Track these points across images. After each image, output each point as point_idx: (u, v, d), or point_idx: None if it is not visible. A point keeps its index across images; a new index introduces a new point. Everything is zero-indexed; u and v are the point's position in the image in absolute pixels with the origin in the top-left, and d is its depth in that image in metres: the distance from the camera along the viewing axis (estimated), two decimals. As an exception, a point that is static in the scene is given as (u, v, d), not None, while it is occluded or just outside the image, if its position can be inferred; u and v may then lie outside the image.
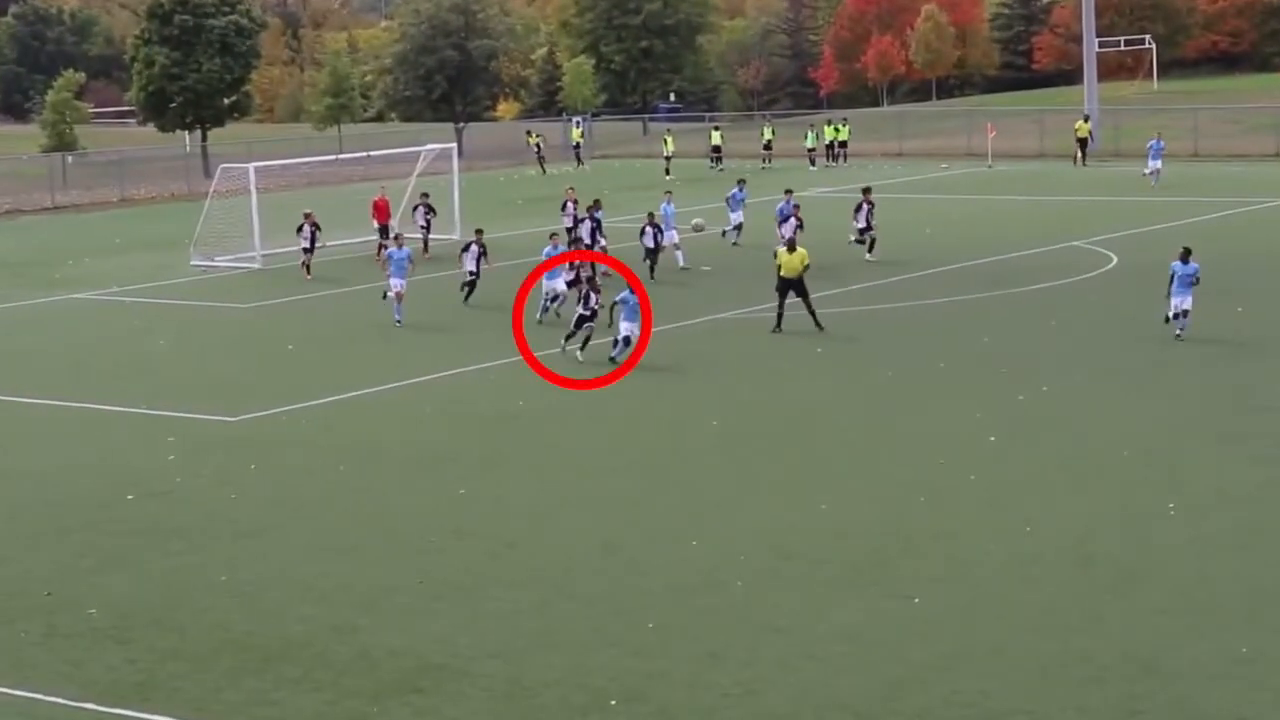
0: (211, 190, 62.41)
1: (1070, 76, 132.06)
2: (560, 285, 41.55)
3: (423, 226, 55.26)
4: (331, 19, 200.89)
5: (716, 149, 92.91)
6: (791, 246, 39.47)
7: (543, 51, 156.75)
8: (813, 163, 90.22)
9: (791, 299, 38.74)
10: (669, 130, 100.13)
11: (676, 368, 36.18)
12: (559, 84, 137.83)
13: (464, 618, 20.93)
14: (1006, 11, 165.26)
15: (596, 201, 50.76)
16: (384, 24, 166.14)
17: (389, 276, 42.40)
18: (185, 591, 22.30)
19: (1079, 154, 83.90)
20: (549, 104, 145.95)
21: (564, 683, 18.69)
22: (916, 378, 34.13)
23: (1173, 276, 35.85)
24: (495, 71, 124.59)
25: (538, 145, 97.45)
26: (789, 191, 50.98)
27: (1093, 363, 34.70)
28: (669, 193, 53.89)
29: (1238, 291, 41.37)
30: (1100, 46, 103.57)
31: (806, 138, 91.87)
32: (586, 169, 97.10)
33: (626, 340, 35.64)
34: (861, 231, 49.97)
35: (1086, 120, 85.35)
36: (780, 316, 38.94)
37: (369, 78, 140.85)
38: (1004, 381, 33.26)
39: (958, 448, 28.22)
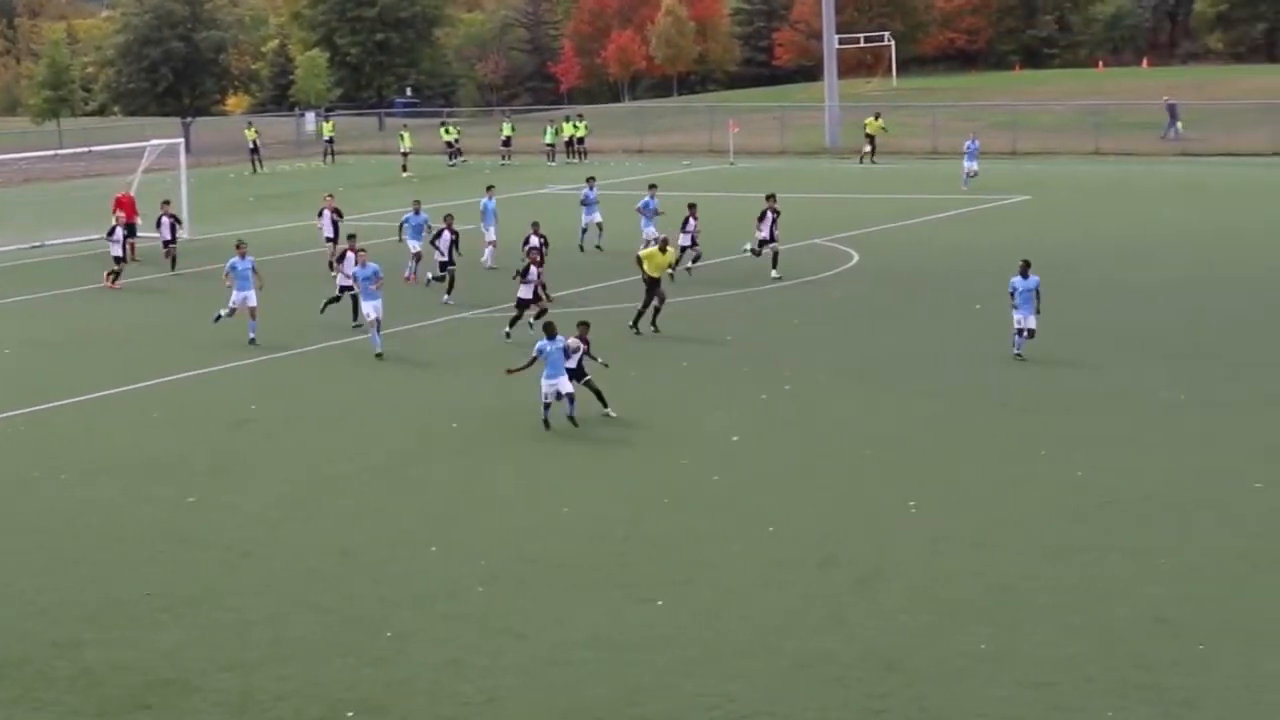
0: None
1: (811, 73, 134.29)
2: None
3: (168, 241, 52.87)
4: (49, 8, 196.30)
5: (450, 144, 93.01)
6: (663, 246, 39.55)
7: (274, 44, 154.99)
8: (551, 159, 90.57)
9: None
10: (405, 126, 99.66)
11: (416, 369, 36.01)
12: (291, 78, 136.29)
13: (194, 630, 20.59)
14: (747, 7, 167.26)
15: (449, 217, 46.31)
16: (105, 14, 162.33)
17: (231, 289, 39.58)
18: (-104, 609, 21.63)
19: (868, 150, 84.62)
20: (281, 98, 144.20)
21: (299, 694, 18.48)
22: (659, 377, 34.38)
23: (1013, 292, 34.19)
24: (224, 64, 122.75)
25: (254, 142, 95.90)
26: (591, 179, 52.93)
27: (835, 361, 35.22)
28: (490, 187, 52.68)
29: (976, 290, 42.37)
30: (840, 43, 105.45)
31: (545, 134, 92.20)
32: (328, 164, 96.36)
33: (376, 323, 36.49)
34: (762, 243, 46.31)
35: (877, 117, 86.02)
36: (639, 314, 39.00)
37: (90, 70, 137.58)
38: (747, 380, 33.65)
39: (701, 448, 28.50)
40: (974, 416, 30.42)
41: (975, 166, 69.84)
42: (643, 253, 39.54)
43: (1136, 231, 54.21)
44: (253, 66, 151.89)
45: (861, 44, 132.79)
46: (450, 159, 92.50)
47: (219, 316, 39.80)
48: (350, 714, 17.99)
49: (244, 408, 32.91)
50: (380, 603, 21.44)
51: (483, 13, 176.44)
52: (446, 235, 44.27)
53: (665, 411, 31.39)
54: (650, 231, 49.18)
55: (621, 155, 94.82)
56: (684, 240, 46.22)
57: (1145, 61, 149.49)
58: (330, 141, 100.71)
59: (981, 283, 42.95)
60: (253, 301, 39.32)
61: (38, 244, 50.67)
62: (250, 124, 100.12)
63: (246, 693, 18.60)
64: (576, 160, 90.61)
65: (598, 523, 24.57)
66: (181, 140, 71.04)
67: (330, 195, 52.74)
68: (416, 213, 48.13)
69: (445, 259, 44.22)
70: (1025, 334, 34.12)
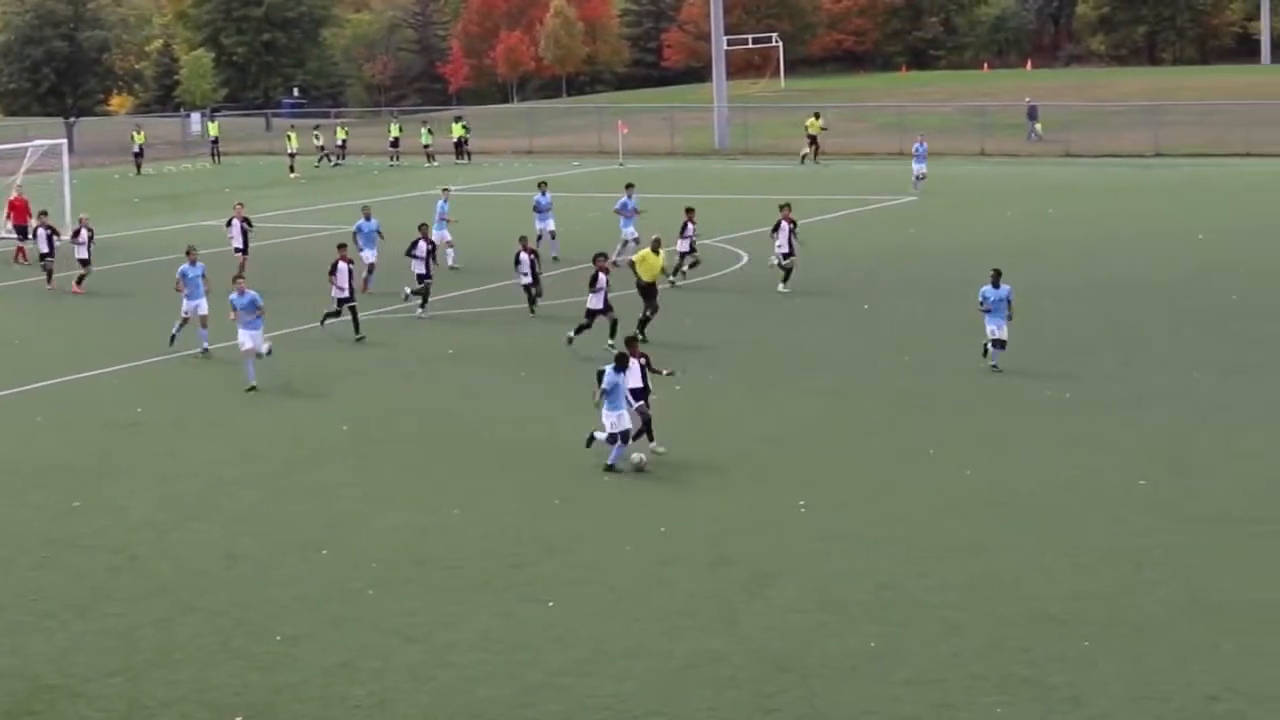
0: None
1: (700, 74, 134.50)
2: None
3: (45, 254, 48.63)
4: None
5: (339, 145, 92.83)
6: (655, 247, 38.23)
7: (158, 43, 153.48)
8: (430, 159, 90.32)
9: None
10: (293, 126, 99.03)
11: (311, 372, 35.78)
12: (176, 78, 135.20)
13: (80, 635, 20.39)
14: (636, 8, 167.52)
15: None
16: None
17: (185, 298, 37.89)
18: None
19: (810, 151, 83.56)
20: (166, 98, 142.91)
21: (187, 700, 18.34)
22: (550, 378, 34.37)
23: (983, 301, 33.16)
24: (107, 64, 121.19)
25: (140, 146, 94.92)
26: (543, 184, 51.23)
27: (725, 361, 35.34)
28: (446, 189, 52.30)
29: (864, 290, 42.67)
30: (728, 44, 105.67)
31: (422, 135, 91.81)
32: (214, 165, 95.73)
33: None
34: (785, 255, 43.86)
35: (817, 117, 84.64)
36: (647, 321, 37.33)
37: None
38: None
39: (591, 449, 28.51)
40: (863, 415, 30.63)
41: (924, 169, 68.80)
42: (635, 257, 38.21)
43: (1023, 231, 54.70)
44: (137, 66, 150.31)
45: (750, 45, 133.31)
46: (328, 160, 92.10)
47: (174, 337, 37.92)
48: (239, 718, 17.89)
49: (130, 411, 32.60)
50: (269, 606, 21.32)
51: (370, 13, 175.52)
52: (423, 245, 41.34)
53: (556, 414, 31.37)
54: (629, 232, 48.27)
55: (511, 156, 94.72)
56: (682, 246, 44.79)
57: (1029, 64, 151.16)
58: (215, 142, 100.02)
59: (869, 283, 43.22)
60: (204, 310, 37.62)
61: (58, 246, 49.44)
62: (139, 127, 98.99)
63: (133, 698, 18.44)
64: (465, 161, 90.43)
65: (489, 524, 24.54)
66: (65, 141, 70.25)
67: (240, 204, 51.04)
68: (368, 219, 45.41)
69: (423, 271, 41.26)
70: (997, 345, 32.97)
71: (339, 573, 22.46)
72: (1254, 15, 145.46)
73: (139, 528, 24.91)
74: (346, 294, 38.31)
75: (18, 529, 24.99)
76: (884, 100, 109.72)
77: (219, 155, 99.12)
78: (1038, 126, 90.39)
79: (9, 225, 54.62)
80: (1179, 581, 21.07)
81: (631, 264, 38.09)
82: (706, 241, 52.96)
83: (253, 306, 34.25)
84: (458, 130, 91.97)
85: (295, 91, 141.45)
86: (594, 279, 35.87)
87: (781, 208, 44.35)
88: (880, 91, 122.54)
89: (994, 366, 33.19)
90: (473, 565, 22.69)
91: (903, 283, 44.81)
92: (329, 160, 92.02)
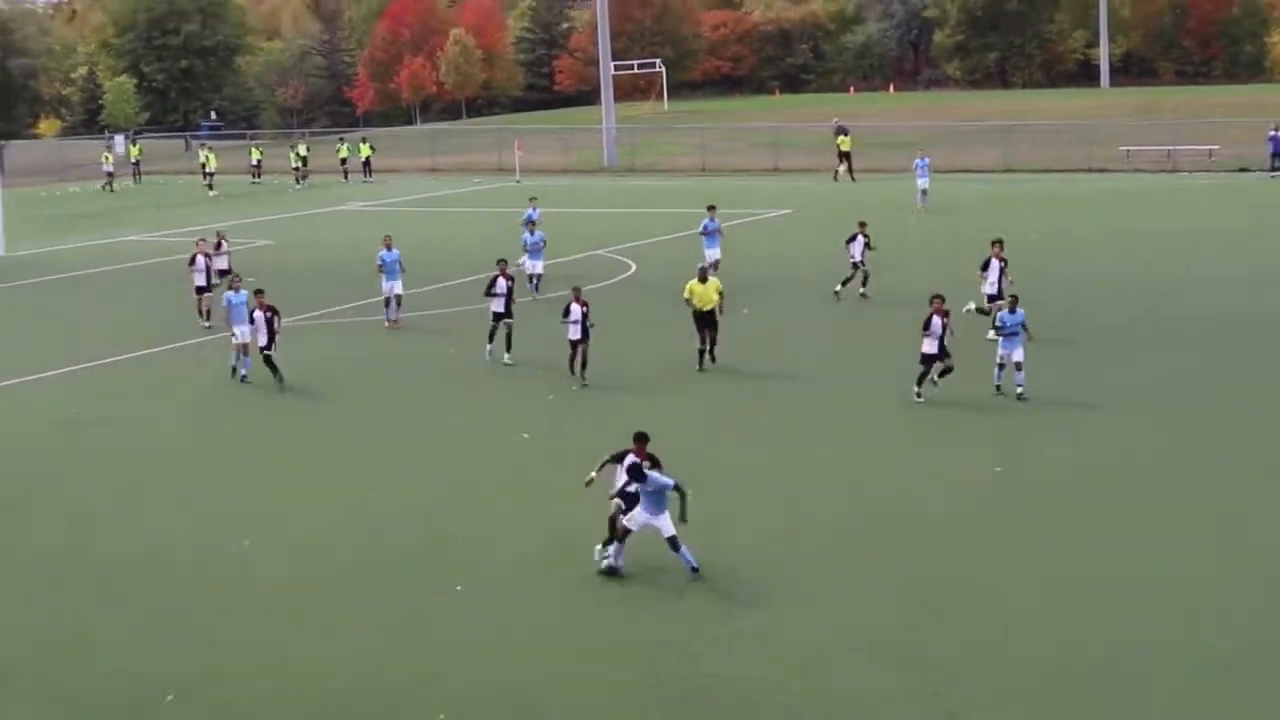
0: None
1: (589, 97, 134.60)
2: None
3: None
4: None
5: (255, 164, 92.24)
6: (703, 277, 34.82)
7: (83, 70, 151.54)
8: (299, 182, 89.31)
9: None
10: (210, 147, 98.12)
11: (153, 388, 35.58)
12: (101, 102, 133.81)
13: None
14: (529, 36, 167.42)
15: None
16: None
17: (234, 324, 34.92)
18: None
19: (845, 167, 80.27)
20: (91, 122, 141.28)
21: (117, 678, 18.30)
22: (452, 380, 34.45)
23: (1001, 326, 30.85)
24: (35, 89, 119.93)
25: (117, 166, 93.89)
26: (711, 208, 46.81)
27: (611, 365, 34.94)
28: (534, 199, 51.25)
29: (743, 293, 42.88)
30: (615, 69, 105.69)
31: (290, 156, 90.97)
32: (136, 184, 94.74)
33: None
34: (855, 266, 41.96)
35: (846, 134, 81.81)
36: (701, 354, 34.48)
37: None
38: (537, 381, 33.81)
39: (494, 444, 28.59)
40: (743, 418, 30.82)
41: (926, 183, 65.28)
42: (685, 292, 34.45)
43: (887, 241, 55.03)
44: (63, 92, 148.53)
45: (635, 70, 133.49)
46: (254, 179, 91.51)
47: (234, 369, 35.01)
48: (170, 697, 17.85)
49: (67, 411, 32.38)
50: (187, 594, 21.29)
51: (282, 40, 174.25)
52: (502, 282, 35.86)
53: (461, 411, 31.43)
54: (713, 253, 45.19)
55: (415, 174, 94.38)
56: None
57: (891, 87, 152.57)
58: (137, 164, 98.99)
59: (747, 290, 43.39)
60: (247, 337, 34.45)
61: None
62: (109, 148, 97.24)
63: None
64: (369, 179, 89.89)
65: (400, 515, 24.55)
66: (-5, 162, 69.52)
67: (202, 240, 44.50)
68: (389, 249, 41.05)
69: (502, 310, 35.92)
70: (1016, 366, 30.52)
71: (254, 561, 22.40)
72: (1094, 43, 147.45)
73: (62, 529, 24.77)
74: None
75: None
76: (759, 121, 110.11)
77: (140, 175, 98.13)
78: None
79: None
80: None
81: (686, 299, 34.52)
82: (599, 252, 53.17)
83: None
84: (365, 150, 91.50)
85: (213, 115, 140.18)
86: (567, 309, 33.17)
87: (860, 224, 41.90)
88: (756, 113, 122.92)
89: (998, 387, 30.93)
90: (383, 553, 22.69)
91: (789, 286, 45.20)
92: (302, 180, 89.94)
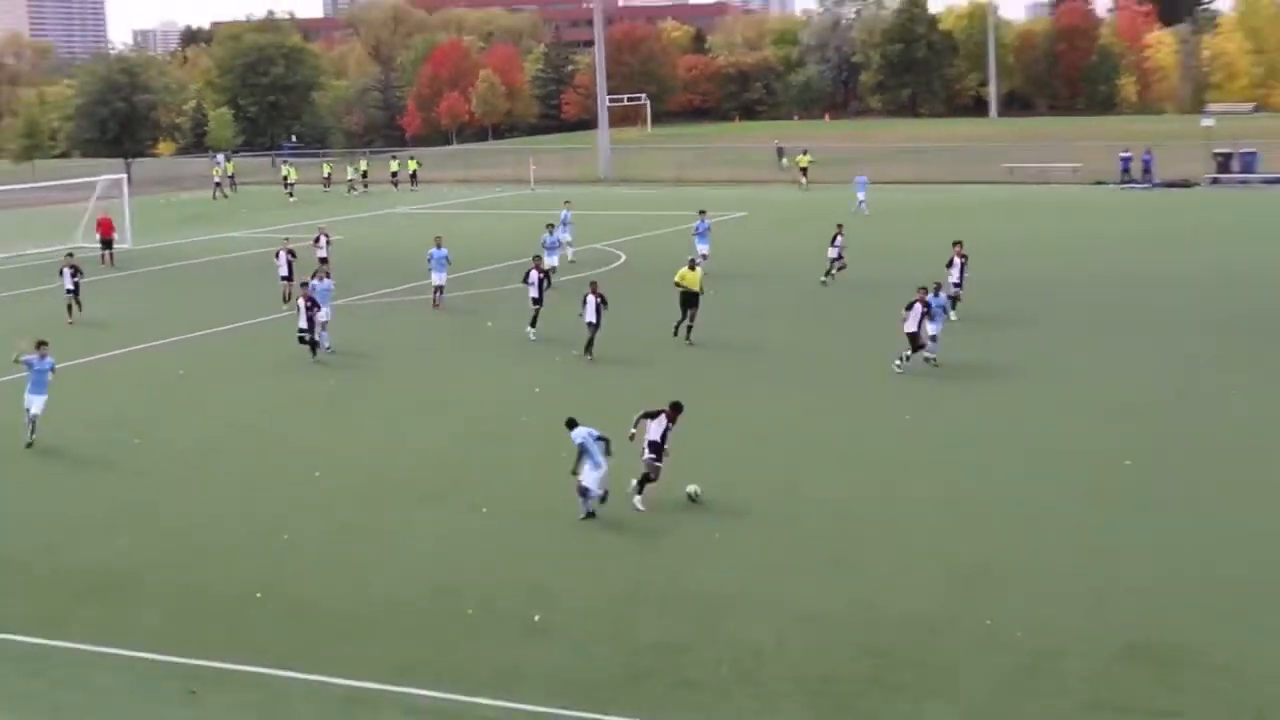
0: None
1: (589, 124, 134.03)
2: None
3: (70, 290, 39.68)
4: (23, 78, 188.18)
5: (325, 177, 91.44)
6: (692, 265, 34.12)
7: (193, 103, 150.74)
8: (351, 189, 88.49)
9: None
10: (290, 163, 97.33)
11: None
12: (205, 128, 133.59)
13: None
14: (542, 75, 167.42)
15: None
16: (66, 82, 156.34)
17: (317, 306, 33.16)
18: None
19: (804, 179, 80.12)
20: (198, 144, 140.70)
21: (221, 581, 18.21)
22: (475, 345, 34.36)
23: (927, 308, 29.38)
24: (155, 119, 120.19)
25: (223, 178, 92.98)
26: (702, 211, 46.42)
27: (605, 339, 34.73)
28: (568, 201, 50.14)
29: (709, 280, 42.62)
30: (610, 101, 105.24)
31: (392, 165, 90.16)
32: (233, 192, 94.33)
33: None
34: (955, 285, 35.44)
35: (805, 153, 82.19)
36: (678, 325, 33.86)
37: (56, 124, 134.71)
38: (544, 349, 33.68)
39: (511, 395, 28.55)
40: (718, 381, 30.72)
41: (863, 195, 63.96)
42: (676, 276, 33.86)
43: (813, 245, 54.84)
44: (177, 120, 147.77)
45: (625, 102, 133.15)
46: (352, 189, 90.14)
47: (316, 342, 32.70)
48: (258, 594, 17.86)
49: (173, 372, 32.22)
50: (275, 516, 21.26)
51: (347, 79, 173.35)
52: (534, 274, 35.22)
53: (471, 375, 31.37)
54: (703, 249, 44.17)
55: (452, 184, 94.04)
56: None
57: (827, 116, 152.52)
58: (233, 177, 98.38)
59: (712, 277, 43.19)
60: (327, 315, 33.27)
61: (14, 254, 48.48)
62: (219, 162, 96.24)
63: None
64: (416, 189, 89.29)
65: (433, 452, 24.50)
66: (125, 176, 69.21)
67: (286, 239, 43.66)
68: (439, 247, 39.44)
69: (536, 296, 35.02)
70: (932, 339, 29.66)
71: (326, 489, 22.37)
72: (985, 82, 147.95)
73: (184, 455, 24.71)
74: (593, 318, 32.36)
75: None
76: (723, 142, 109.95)
77: (234, 185, 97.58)
78: (784, 160, 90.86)
79: (96, 237, 53.19)
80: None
81: (676, 283, 33.78)
82: (597, 246, 53.00)
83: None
84: (413, 165, 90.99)
85: (293, 138, 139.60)
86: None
87: (955, 244, 36.00)
88: (720, 136, 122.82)
89: (929, 359, 29.83)
90: (422, 481, 22.65)
91: (749, 274, 45.06)
92: (353, 189, 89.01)
